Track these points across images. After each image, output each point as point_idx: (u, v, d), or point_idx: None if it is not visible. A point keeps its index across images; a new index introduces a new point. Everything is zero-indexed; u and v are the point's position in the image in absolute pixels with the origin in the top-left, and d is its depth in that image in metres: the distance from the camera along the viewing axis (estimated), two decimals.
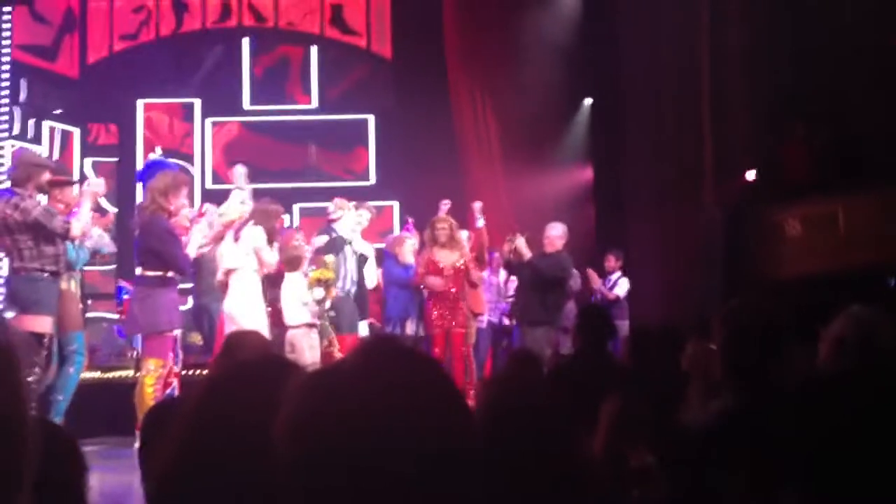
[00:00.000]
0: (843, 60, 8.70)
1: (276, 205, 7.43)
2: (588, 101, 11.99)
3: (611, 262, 10.46)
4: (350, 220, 8.26)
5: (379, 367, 1.11)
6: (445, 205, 8.72)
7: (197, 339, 7.92)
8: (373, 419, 1.05)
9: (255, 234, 7.07)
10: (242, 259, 7.03)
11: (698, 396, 3.86)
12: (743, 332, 2.73)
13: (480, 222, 8.59)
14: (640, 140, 10.88)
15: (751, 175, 9.32)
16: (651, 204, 10.74)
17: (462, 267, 8.30)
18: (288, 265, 7.47)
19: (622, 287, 10.27)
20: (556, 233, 8.39)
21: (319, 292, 7.42)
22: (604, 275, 10.46)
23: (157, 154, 10.15)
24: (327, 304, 7.48)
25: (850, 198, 8.34)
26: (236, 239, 7.22)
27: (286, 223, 11.06)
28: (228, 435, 1.41)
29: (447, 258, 8.28)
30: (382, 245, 9.44)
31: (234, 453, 1.40)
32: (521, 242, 8.14)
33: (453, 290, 8.24)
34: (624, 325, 9.25)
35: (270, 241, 7.14)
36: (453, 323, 8.20)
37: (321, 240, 8.09)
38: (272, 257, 7.09)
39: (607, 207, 11.40)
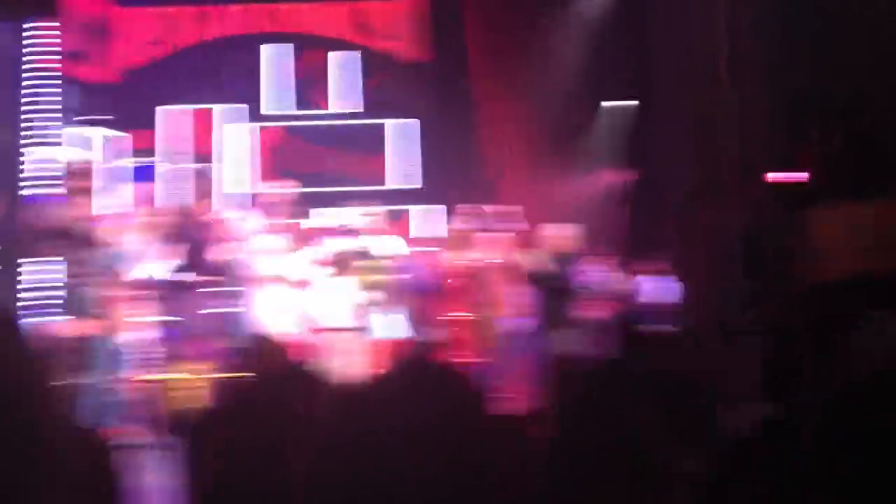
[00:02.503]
0: (863, 60, 8.65)
1: (281, 202, 7.36)
2: (614, 104, 11.96)
3: (646, 266, 10.38)
4: (363, 224, 8.21)
5: (415, 383, 1.13)
6: (473, 209, 8.70)
7: (231, 342, 7.98)
8: (407, 435, 1.06)
9: (269, 243, 7.05)
10: (263, 267, 7.03)
11: (730, 403, 3.85)
12: (779, 337, 2.74)
13: (511, 227, 8.55)
14: (665, 144, 10.86)
15: (773, 176, 9.29)
16: (677, 207, 10.71)
17: (481, 267, 8.25)
18: (326, 268, 7.50)
19: (656, 293, 10.18)
20: (564, 234, 8.34)
21: (367, 295, 7.44)
22: (638, 279, 10.41)
23: (153, 160, 10.21)
24: (375, 309, 7.51)
25: (878, 201, 8.28)
26: (259, 247, 7.23)
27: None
28: (259, 442, 1.44)
29: (466, 259, 8.24)
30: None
31: (265, 461, 1.43)
32: (538, 260, 8.07)
33: (473, 291, 8.18)
34: (658, 330, 9.21)
35: (287, 241, 7.09)
36: (476, 326, 8.19)
37: (339, 245, 8.08)
38: (290, 267, 7.02)
39: (638, 210, 11.37)
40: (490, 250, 8.41)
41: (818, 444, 2.16)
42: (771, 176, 9.32)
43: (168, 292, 7.02)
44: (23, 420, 1.01)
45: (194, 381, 6.45)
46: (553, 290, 8.26)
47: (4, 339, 1.05)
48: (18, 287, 8.83)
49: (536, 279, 8.67)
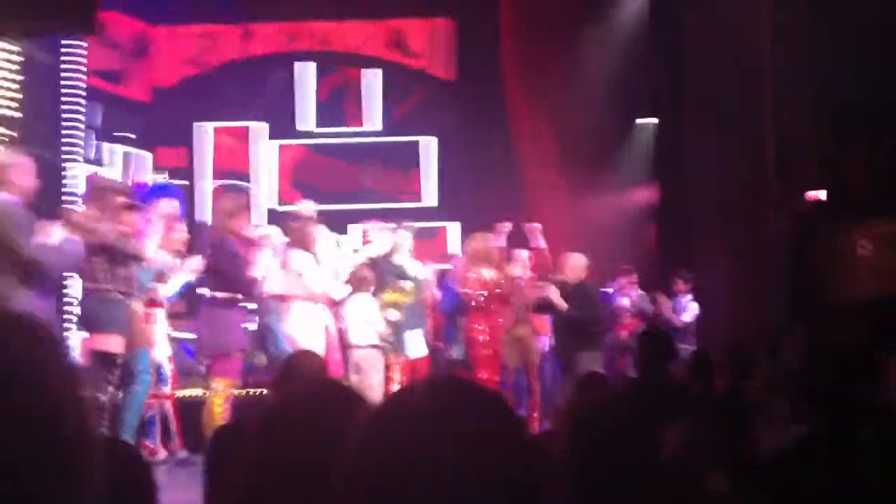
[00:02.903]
0: None
1: (304, 216, 7.35)
2: (649, 120, 11.90)
3: (679, 284, 10.26)
4: (386, 243, 8.14)
5: (449, 408, 1.10)
6: (504, 227, 8.64)
7: (261, 359, 7.99)
8: (440, 462, 1.04)
9: (297, 260, 7.03)
10: (294, 284, 7.01)
11: (770, 420, 3.79)
12: (820, 356, 2.67)
13: (541, 243, 8.51)
14: (703, 158, 10.76)
15: (818, 193, 9.16)
16: (717, 223, 10.60)
17: (499, 284, 8.16)
18: (354, 285, 7.48)
19: (691, 312, 10.07)
20: (578, 263, 8.23)
21: (394, 314, 7.41)
22: (671, 297, 10.30)
23: (162, 179, 10.28)
24: (402, 326, 7.47)
25: None
26: (283, 265, 7.22)
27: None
28: (292, 464, 1.43)
29: (487, 275, 8.14)
30: (440, 266, 9.45)
31: (298, 483, 1.41)
32: (553, 293, 8.01)
33: (493, 307, 8.11)
34: (688, 350, 9.10)
35: (313, 255, 7.06)
36: (497, 345, 8.13)
37: (369, 261, 8.03)
38: (319, 284, 6.99)
39: (670, 227, 11.28)
40: (517, 269, 8.34)
41: (859, 464, 2.11)
42: (812, 193, 9.20)
43: (199, 308, 7.05)
44: (58, 434, 1.01)
45: (224, 396, 6.44)
46: (562, 318, 8.11)
47: (44, 353, 1.04)
48: (58, 301, 8.96)
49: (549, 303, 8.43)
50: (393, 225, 8.39)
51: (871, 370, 2.94)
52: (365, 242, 8.35)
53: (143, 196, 9.67)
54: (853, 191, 8.90)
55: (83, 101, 9.71)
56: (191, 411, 6.57)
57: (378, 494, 1.06)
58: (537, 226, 8.74)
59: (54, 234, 5.64)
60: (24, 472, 0.96)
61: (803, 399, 2.71)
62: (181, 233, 7.47)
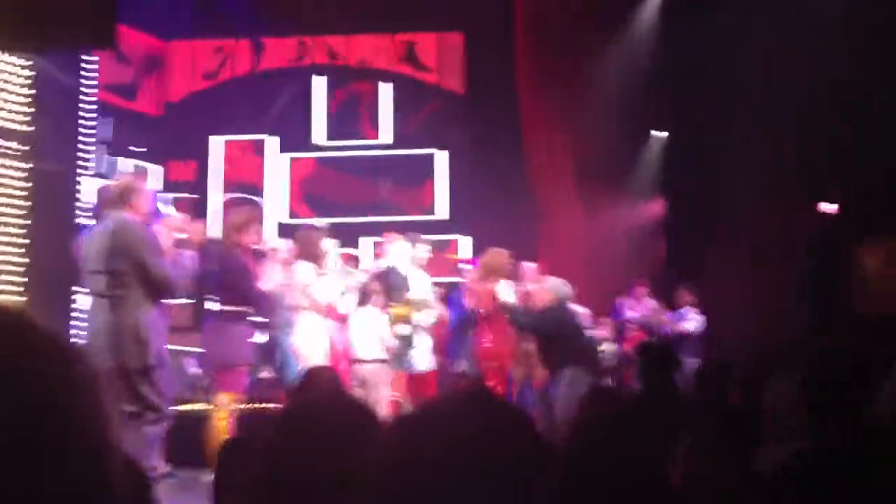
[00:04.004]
0: None
1: (314, 229, 7.35)
2: (662, 133, 11.89)
3: (684, 296, 10.25)
4: (403, 254, 8.13)
5: (474, 419, 1.10)
6: (528, 267, 8.71)
7: (267, 373, 7.97)
8: (465, 473, 1.04)
9: (302, 272, 7.01)
10: (298, 298, 7.00)
11: (779, 434, 3.76)
12: (826, 371, 2.65)
13: (531, 286, 8.40)
14: (719, 173, 10.74)
15: (832, 207, 9.13)
16: (729, 237, 10.57)
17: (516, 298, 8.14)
18: (361, 298, 7.46)
19: (693, 322, 10.05)
20: (545, 287, 8.08)
21: (404, 328, 7.38)
22: (674, 308, 10.29)
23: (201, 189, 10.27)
24: (411, 340, 7.45)
25: None
26: (289, 277, 7.21)
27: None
28: (301, 475, 1.42)
29: (504, 291, 8.14)
30: (450, 279, 9.43)
31: (309, 493, 1.41)
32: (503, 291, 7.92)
33: (501, 321, 8.09)
34: (693, 363, 9.05)
35: (320, 267, 7.05)
36: (506, 358, 8.10)
37: (378, 275, 8.02)
38: (324, 297, 6.97)
39: (681, 241, 11.25)
40: (519, 282, 8.29)
41: (857, 480, 2.10)
42: (825, 206, 9.18)
43: (206, 321, 7.04)
44: (73, 448, 1.00)
45: (229, 411, 6.42)
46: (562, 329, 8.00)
47: (58, 367, 1.04)
48: (71, 315, 8.98)
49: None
50: (408, 237, 8.37)
51: (872, 384, 2.92)
52: (377, 255, 8.32)
53: (174, 208, 9.71)
54: (873, 210, 8.87)
55: (94, 116, 9.77)
56: (193, 426, 6.52)
57: (404, 496, 1.06)
58: (532, 265, 8.72)
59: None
60: (49, 483, 0.96)
61: (809, 412, 2.69)
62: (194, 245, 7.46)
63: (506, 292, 7.95)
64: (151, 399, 5.27)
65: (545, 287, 8.02)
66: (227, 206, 11.65)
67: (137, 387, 5.12)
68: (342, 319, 7.42)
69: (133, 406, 5.09)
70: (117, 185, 5.37)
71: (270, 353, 7.33)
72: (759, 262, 10.00)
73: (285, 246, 7.52)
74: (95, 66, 9.84)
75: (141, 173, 5.72)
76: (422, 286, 8.07)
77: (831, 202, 9.11)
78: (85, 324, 7.75)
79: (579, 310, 9.83)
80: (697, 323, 10.07)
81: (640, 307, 10.52)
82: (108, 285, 5.09)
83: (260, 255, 7.04)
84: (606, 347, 9.77)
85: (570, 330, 7.83)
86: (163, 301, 5.53)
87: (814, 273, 9.23)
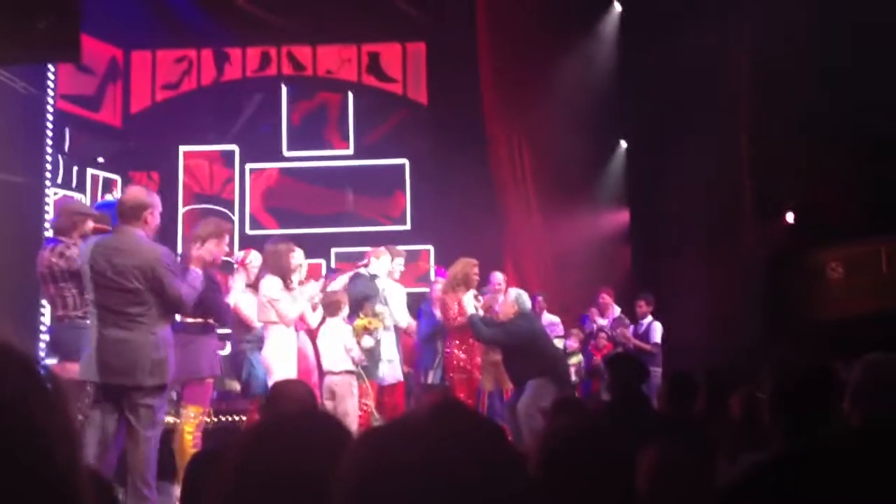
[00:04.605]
0: (888, 98, 8.63)
1: (283, 242, 7.31)
2: (624, 144, 11.99)
3: (642, 307, 10.33)
4: (385, 266, 8.15)
5: (446, 430, 1.10)
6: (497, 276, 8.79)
7: (234, 385, 7.91)
8: (435, 487, 1.04)
9: (268, 286, 6.97)
10: (266, 312, 6.95)
11: (743, 445, 3.80)
12: (793, 383, 2.69)
13: (499, 297, 8.44)
14: (678, 182, 10.85)
15: (791, 217, 9.25)
16: (691, 246, 10.67)
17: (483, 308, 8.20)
18: (327, 310, 7.43)
19: (656, 333, 10.13)
20: (508, 300, 8.11)
21: (369, 340, 7.36)
22: (635, 320, 10.36)
23: (111, 197, 10.22)
24: (379, 353, 7.43)
25: (893, 239, 8.25)
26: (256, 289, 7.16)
27: (323, 269, 11.17)
28: (272, 489, 1.41)
29: (468, 302, 8.18)
30: (419, 289, 9.44)
31: None
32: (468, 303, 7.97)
33: (470, 332, 8.08)
34: (657, 372, 9.12)
35: (287, 281, 7.01)
36: (474, 369, 8.13)
37: (341, 282, 8.03)
38: (290, 310, 6.93)
39: (644, 250, 11.35)
40: (491, 293, 8.34)
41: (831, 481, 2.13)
42: (788, 215, 9.29)
43: (175, 333, 6.97)
44: (38, 462, 1.00)
45: (196, 424, 6.37)
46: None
47: (24, 382, 1.04)
48: (39, 328, 8.86)
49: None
50: (390, 251, 8.37)
51: (837, 390, 2.97)
52: (355, 266, 8.29)
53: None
54: (826, 216, 9.01)
55: (64, 127, 9.68)
56: (161, 439, 6.47)
57: None
58: (500, 275, 8.81)
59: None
60: (23, 500, 0.96)
61: (774, 426, 2.73)
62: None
63: (470, 305, 7.98)
64: (161, 416, 5.24)
65: (508, 300, 8.05)
66: (190, 216, 11.57)
67: (153, 405, 5.06)
68: (312, 332, 7.39)
69: (144, 424, 5.02)
70: (131, 198, 5.28)
71: (238, 365, 7.28)
72: (717, 272, 10.11)
73: (254, 258, 7.48)
74: (52, 77, 9.75)
75: (150, 190, 5.61)
76: (398, 299, 8.08)
77: (787, 212, 9.23)
78: (47, 337, 7.69)
79: (552, 318, 9.90)
80: (658, 333, 10.14)
81: (605, 316, 10.60)
82: (125, 302, 5.02)
83: (228, 267, 6.98)
84: (575, 359, 9.82)
85: (536, 340, 7.86)
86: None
87: (772, 282, 9.34)
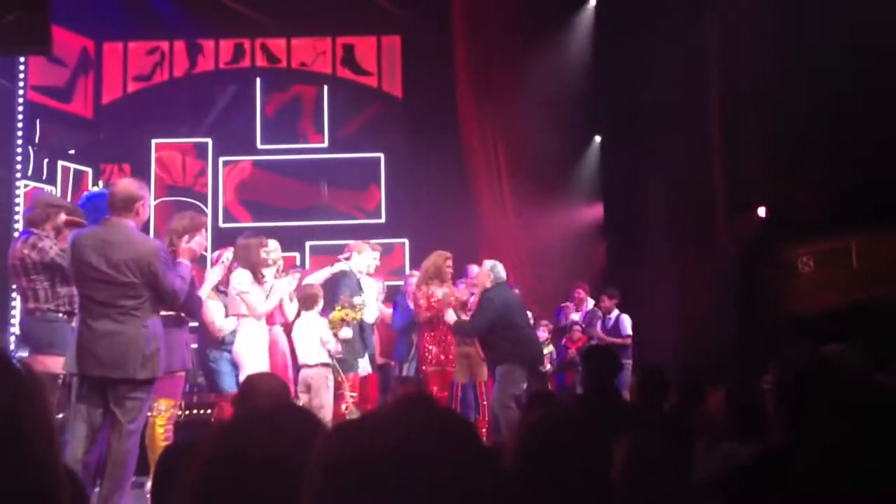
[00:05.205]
0: (857, 97, 8.70)
1: (255, 236, 7.28)
2: (598, 139, 12.03)
3: (605, 301, 10.38)
4: (364, 260, 8.12)
5: (415, 425, 1.10)
6: (472, 269, 8.80)
7: (207, 378, 7.88)
8: (405, 476, 1.04)
9: (238, 279, 6.93)
10: (236, 305, 6.92)
11: (717, 438, 3.83)
12: (799, 375, 2.68)
13: (466, 295, 8.45)
14: (651, 177, 10.90)
15: (762, 212, 9.31)
16: (664, 241, 10.73)
17: (450, 302, 8.19)
18: (303, 303, 7.41)
19: (626, 325, 10.17)
20: (483, 270, 8.15)
21: (347, 332, 7.35)
22: (603, 315, 10.41)
23: (97, 188, 10.16)
24: (361, 346, 7.42)
25: (862, 233, 8.33)
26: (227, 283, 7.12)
27: (297, 261, 11.14)
28: (243, 484, 1.40)
29: (442, 294, 8.18)
30: (393, 282, 9.42)
31: (249, 502, 1.39)
32: (450, 316, 8.00)
33: (444, 326, 8.08)
34: (627, 365, 9.17)
35: (258, 275, 6.98)
36: (447, 362, 8.13)
37: (322, 275, 8.01)
38: (260, 303, 6.89)
39: (618, 245, 11.40)
40: (448, 284, 8.33)
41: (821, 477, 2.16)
42: (761, 210, 9.35)
43: None
44: (19, 455, 1.00)
45: (167, 417, 6.34)
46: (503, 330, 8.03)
47: (3, 377, 1.03)
48: (10, 322, 8.79)
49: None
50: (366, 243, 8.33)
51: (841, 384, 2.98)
52: (334, 261, 8.26)
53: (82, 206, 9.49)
54: (798, 212, 9.07)
55: (36, 119, 9.60)
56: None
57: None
58: (475, 267, 8.84)
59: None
60: (2, 491, 0.95)
61: (777, 416, 2.72)
62: None
63: (451, 315, 7.96)
64: (146, 410, 5.21)
65: (483, 269, 8.09)
66: (162, 209, 11.50)
67: (141, 398, 5.03)
68: (288, 325, 7.37)
69: (131, 417, 4.98)
70: (123, 190, 5.21)
71: (205, 357, 7.23)
72: (690, 266, 10.17)
73: (225, 251, 7.43)
74: (22, 68, 9.66)
75: (141, 180, 5.53)
76: (371, 295, 8.07)
77: (759, 206, 9.29)
78: (16, 329, 7.62)
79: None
80: (628, 325, 10.19)
81: (580, 310, 10.65)
82: (118, 295, 4.97)
83: (201, 261, 6.93)
84: (545, 350, 9.86)
85: (509, 309, 7.84)
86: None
87: (744, 275, 9.41)
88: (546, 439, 2.19)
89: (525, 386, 7.66)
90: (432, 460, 1.06)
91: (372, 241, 8.46)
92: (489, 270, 8.03)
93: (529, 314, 9.22)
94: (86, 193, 9.58)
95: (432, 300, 8.11)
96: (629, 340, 9.98)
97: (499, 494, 1.10)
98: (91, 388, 5.00)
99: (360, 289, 7.86)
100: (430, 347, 8.08)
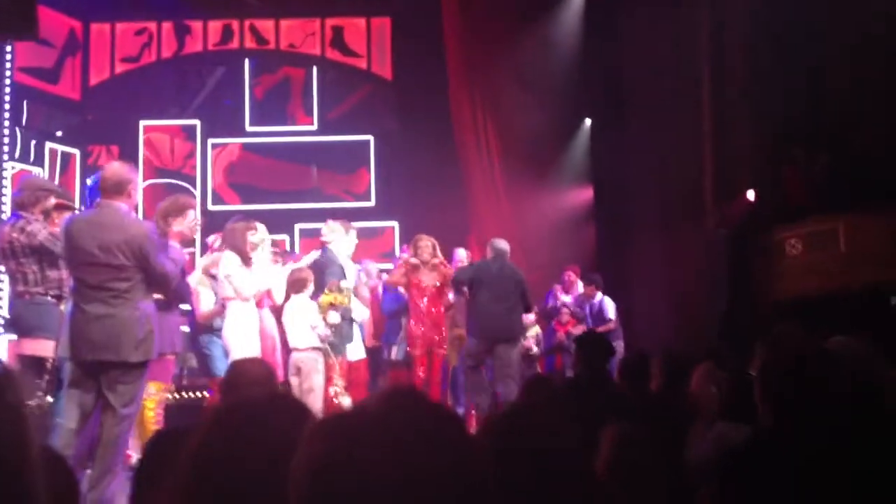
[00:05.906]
0: (844, 81, 8.72)
1: (243, 220, 7.27)
2: (589, 122, 12.02)
3: (588, 288, 10.37)
4: (346, 243, 8.12)
5: (401, 419, 1.10)
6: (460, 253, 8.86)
7: (194, 362, 7.88)
8: (392, 471, 1.04)
9: (226, 263, 6.93)
10: (224, 288, 6.91)
11: (706, 422, 3.86)
12: (787, 358, 2.68)
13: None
14: (641, 161, 10.90)
15: (751, 195, 9.32)
16: (653, 224, 10.75)
17: (440, 287, 8.23)
18: (292, 287, 7.40)
19: (610, 309, 10.17)
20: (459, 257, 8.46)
21: (335, 316, 7.35)
22: (588, 300, 10.42)
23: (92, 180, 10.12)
24: (341, 328, 7.43)
25: (850, 216, 8.35)
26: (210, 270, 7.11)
27: (287, 245, 11.12)
28: (232, 476, 1.40)
29: (428, 278, 8.20)
30: (383, 265, 9.42)
31: (238, 494, 1.39)
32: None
33: (433, 310, 8.15)
34: (619, 346, 9.19)
35: (246, 259, 6.97)
36: (436, 340, 8.16)
37: (310, 258, 8.00)
38: (247, 286, 6.89)
39: (608, 228, 11.41)
40: (438, 267, 8.35)
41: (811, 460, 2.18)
42: (749, 193, 9.36)
43: None
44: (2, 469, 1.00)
45: (157, 400, 6.33)
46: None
47: None
48: None
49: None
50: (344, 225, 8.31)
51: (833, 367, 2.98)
52: (324, 242, 8.24)
53: (90, 195, 9.45)
54: (786, 196, 9.09)
55: (9, 99, 9.52)
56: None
57: (330, 495, 1.06)
58: (464, 251, 8.91)
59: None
60: None
61: (763, 400, 2.73)
62: None
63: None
64: (141, 394, 5.21)
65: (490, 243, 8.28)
66: (151, 191, 11.46)
67: (134, 382, 5.02)
68: (277, 309, 7.36)
69: (124, 401, 4.98)
70: (114, 173, 5.19)
71: (196, 341, 7.23)
72: (679, 248, 10.19)
73: (215, 235, 7.41)
74: (9, 48, 9.58)
75: (130, 163, 5.52)
76: (351, 274, 8.07)
77: (748, 189, 9.30)
78: (4, 313, 7.60)
79: None
80: (612, 308, 10.18)
81: (570, 293, 10.65)
82: (110, 278, 4.96)
83: (190, 244, 6.93)
84: (532, 331, 9.89)
85: (479, 286, 7.95)
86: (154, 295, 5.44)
87: (733, 258, 9.44)
88: (528, 421, 2.17)
89: (479, 357, 7.78)
90: (417, 455, 1.06)
91: (351, 224, 8.43)
92: (488, 245, 8.24)
93: None
94: (93, 177, 9.54)
95: (423, 283, 8.15)
96: (612, 325, 9.97)
97: (483, 488, 1.11)
98: (84, 373, 5.00)
99: (344, 275, 7.85)
100: (420, 330, 8.09)
